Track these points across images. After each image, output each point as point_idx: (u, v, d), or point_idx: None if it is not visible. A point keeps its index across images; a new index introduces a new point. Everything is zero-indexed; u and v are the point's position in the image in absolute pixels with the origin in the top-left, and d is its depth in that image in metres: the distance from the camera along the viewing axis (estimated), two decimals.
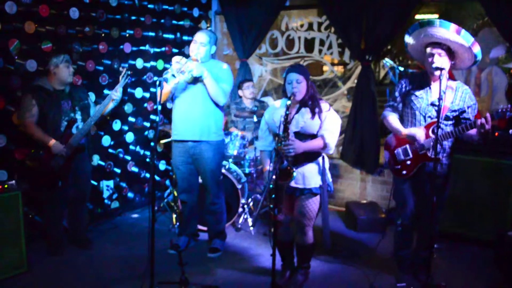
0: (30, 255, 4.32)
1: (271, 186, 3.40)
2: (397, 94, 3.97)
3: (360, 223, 5.38)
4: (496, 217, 4.76)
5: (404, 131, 3.82)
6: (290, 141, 3.53)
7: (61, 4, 4.97)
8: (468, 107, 3.70)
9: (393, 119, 3.97)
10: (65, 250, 4.71)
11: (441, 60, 3.58)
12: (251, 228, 5.35)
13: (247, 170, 5.70)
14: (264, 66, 6.94)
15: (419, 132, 3.73)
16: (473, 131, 3.59)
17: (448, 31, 3.47)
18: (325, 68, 6.53)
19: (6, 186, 4.14)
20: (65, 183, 4.56)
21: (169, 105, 5.77)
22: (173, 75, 4.03)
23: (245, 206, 5.53)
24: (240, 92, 6.13)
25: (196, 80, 4.36)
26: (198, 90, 4.41)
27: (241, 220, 5.52)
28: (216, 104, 4.48)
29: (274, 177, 3.38)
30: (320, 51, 6.38)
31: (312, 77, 6.55)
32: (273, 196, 3.42)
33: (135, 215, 5.92)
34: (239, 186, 5.31)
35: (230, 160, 5.58)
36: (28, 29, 4.70)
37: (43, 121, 4.42)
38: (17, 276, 4.18)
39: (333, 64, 6.46)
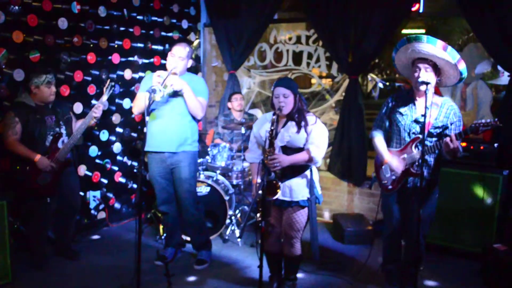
0: (14, 265, 4.27)
1: (257, 198, 3.42)
2: (383, 112, 4.01)
3: (347, 235, 5.39)
4: (482, 230, 4.79)
5: (386, 158, 3.89)
6: (276, 155, 3.55)
7: (49, 14, 4.97)
8: (451, 124, 3.71)
9: (379, 141, 4.00)
10: (50, 262, 4.65)
11: (427, 75, 3.61)
12: (239, 239, 5.33)
13: (234, 182, 5.70)
14: (252, 78, 6.97)
15: (395, 164, 3.82)
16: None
17: (434, 47, 3.51)
18: (313, 81, 6.59)
19: None
20: (53, 199, 4.53)
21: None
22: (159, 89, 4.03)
23: (233, 217, 5.52)
24: (229, 104, 6.16)
25: (174, 93, 4.37)
26: (175, 103, 4.42)
27: (228, 231, 5.50)
28: (193, 117, 4.50)
29: (260, 190, 3.40)
30: (308, 64, 6.44)
31: (300, 89, 6.51)
32: (261, 208, 3.43)
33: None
34: (227, 198, 5.31)
35: (218, 171, 5.58)
36: (16, 38, 4.69)
37: (29, 137, 4.38)
38: (1, 287, 4.12)
39: (321, 77, 6.52)
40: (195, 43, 7.00)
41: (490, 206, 4.75)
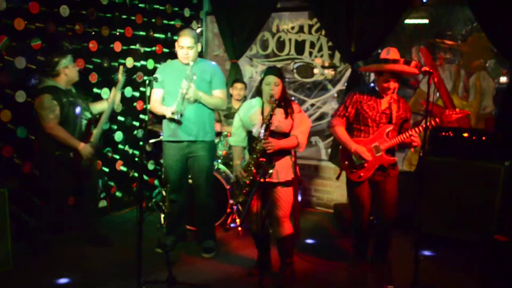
0: (16, 252, 4.30)
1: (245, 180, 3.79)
2: (348, 103, 4.09)
3: (347, 225, 5.38)
4: (483, 221, 4.78)
5: (353, 147, 3.99)
6: (270, 140, 3.77)
7: (51, 1, 4.94)
8: (408, 116, 4.07)
9: (341, 131, 4.09)
10: (50, 249, 4.67)
11: (394, 84, 3.91)
12: (239, 228, 5.35)
13: None
14: (254, 67, 6.94)
15: (365, 152, 3.96)
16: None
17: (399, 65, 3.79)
18: (315, 70, 6.55)
19: None
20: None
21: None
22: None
23: (234, 206, 5.52)
24: (231, 90, 6.13)
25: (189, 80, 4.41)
26: None
27: (229, 220, 5.51)
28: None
29: (260, 178, 3.56)
30: (310, 53, 6.41)
31: (302, 79, 6.60)
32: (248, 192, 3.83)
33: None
34: (228, 187, 5.31)
35: (219, 160, 5.57)
36: (18, 25, 4.67)
37: (65, 121, 4.40)
38: (2, 274, 4.14)
39: (323, 67, 6.49)
40: (198, 31, 6.97)
41: (491, 197, 4.74)
